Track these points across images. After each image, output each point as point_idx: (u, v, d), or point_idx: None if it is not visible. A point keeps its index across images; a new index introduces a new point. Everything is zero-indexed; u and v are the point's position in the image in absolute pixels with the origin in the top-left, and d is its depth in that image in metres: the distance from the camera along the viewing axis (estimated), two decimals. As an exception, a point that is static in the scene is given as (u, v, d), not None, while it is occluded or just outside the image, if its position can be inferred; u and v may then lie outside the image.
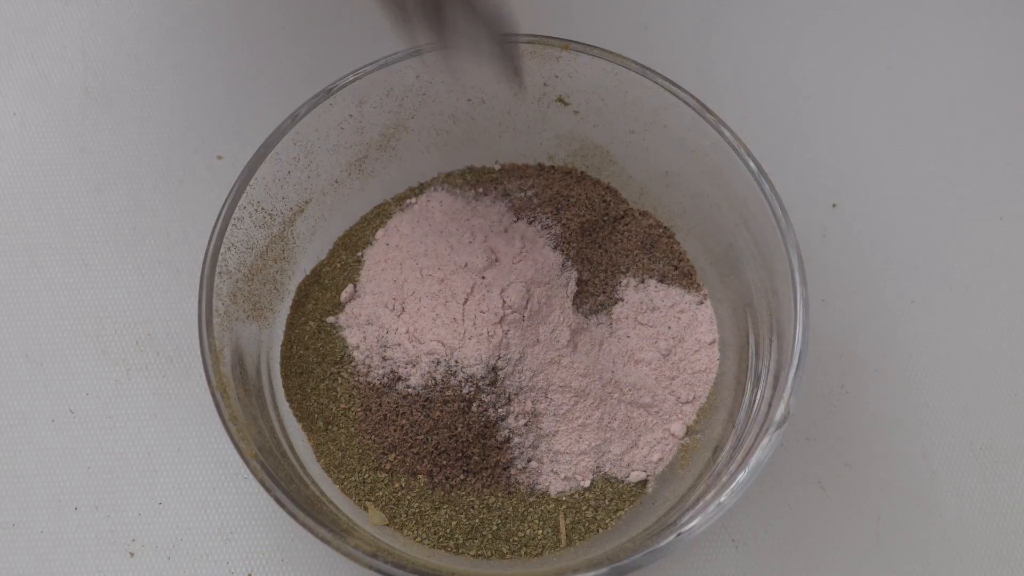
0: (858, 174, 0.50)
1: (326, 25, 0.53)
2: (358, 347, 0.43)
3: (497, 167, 0.47)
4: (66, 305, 0.47)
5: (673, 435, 0.42)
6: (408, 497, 0.41)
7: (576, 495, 0.42)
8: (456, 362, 0.40)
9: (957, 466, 0.45)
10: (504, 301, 0.40)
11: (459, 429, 0.40)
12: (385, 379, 0.42)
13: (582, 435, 0.42)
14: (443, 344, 0.40)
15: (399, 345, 0.42)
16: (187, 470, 0.44)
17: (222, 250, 0.40)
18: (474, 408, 0.40)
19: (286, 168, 0.42)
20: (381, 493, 0.41)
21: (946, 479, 0.44)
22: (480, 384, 0.40)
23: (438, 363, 0.41)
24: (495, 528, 0.40)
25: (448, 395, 0.40)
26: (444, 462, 0.41)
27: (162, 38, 0.53)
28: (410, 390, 0.41)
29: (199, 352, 0.38)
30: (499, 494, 0.41)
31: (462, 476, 0.41)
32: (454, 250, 0.43)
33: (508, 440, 0.41)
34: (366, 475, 0.41)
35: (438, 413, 0.40)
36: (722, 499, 0.35)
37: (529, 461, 0.42)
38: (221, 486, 0.44)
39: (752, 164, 0.40)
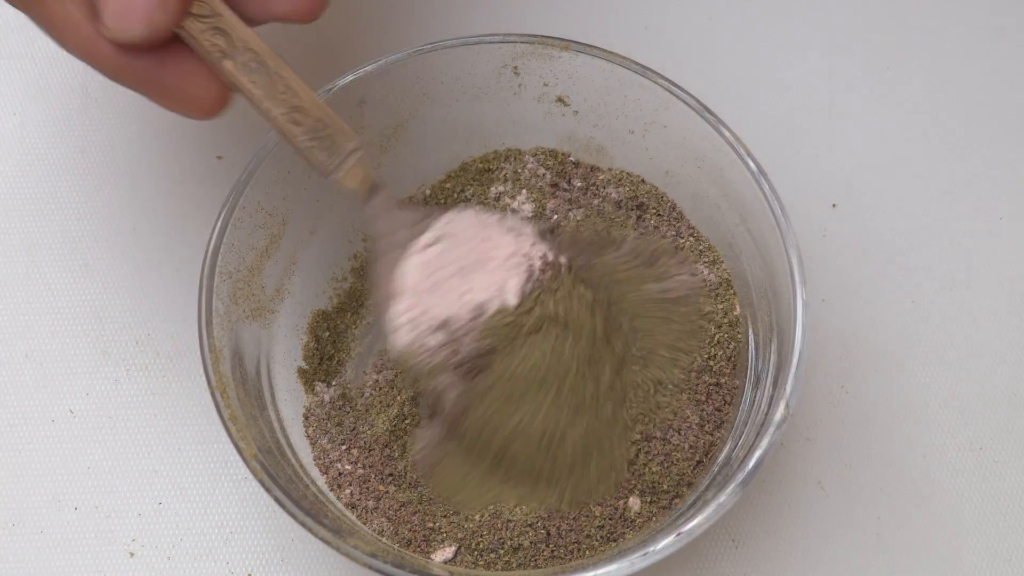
0: (858, 174, 0.50)
1: (326, 25, 0.53)
2: None
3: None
4: (66, 305, 0.47)
5: None
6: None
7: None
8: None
9: (957, 466, 0.45)
10: None
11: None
12: None
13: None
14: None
15: None
16: (187, 470, 0.44)
17: (222, 250, 0.40)
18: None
19: (286, 168, 0.42)
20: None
21: (946, 479, 0.44)
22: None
23: None
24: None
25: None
26: None
27: (162, 38, 0.52)
28: None
29: (199, 352, 0.38)
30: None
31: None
32: None
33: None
34: None
35: None
36: (722, 499, 0.35)
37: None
38: (221, 486, 0.44)
39: (752, 164, 0.40)
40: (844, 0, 0.54)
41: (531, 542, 0.39)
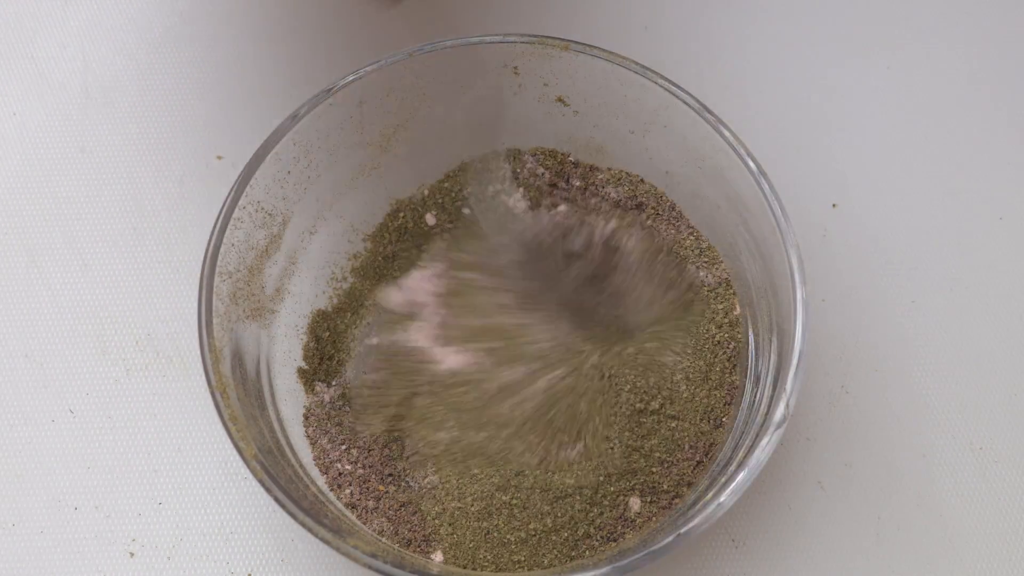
0: (858, 174, 0.50)
1: (326, 25, 0.53)
2: None
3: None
4: (66, 305, 0.47)
5: None
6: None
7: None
8: None
9: (957, 466, 0.45)
10: None
11: None
12: None
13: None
14: None
15: None
16: (187, 470, 0.44)
17: (222, 250, 0.40)
18: None
19: (286, 168, 0.42)
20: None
21: (946, 479, 0.44)
22: None
23: None
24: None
25: None
26: None
27: (162, 38, 0.53)
28: None
29: (199, 352, 0.38)
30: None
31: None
32: None
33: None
34: None
35: None
36: (722, 499, 0.35)
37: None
38: (221, 486, 0.44)
39: (752, 164, 0.40)
40: (844, 0, 0.54)
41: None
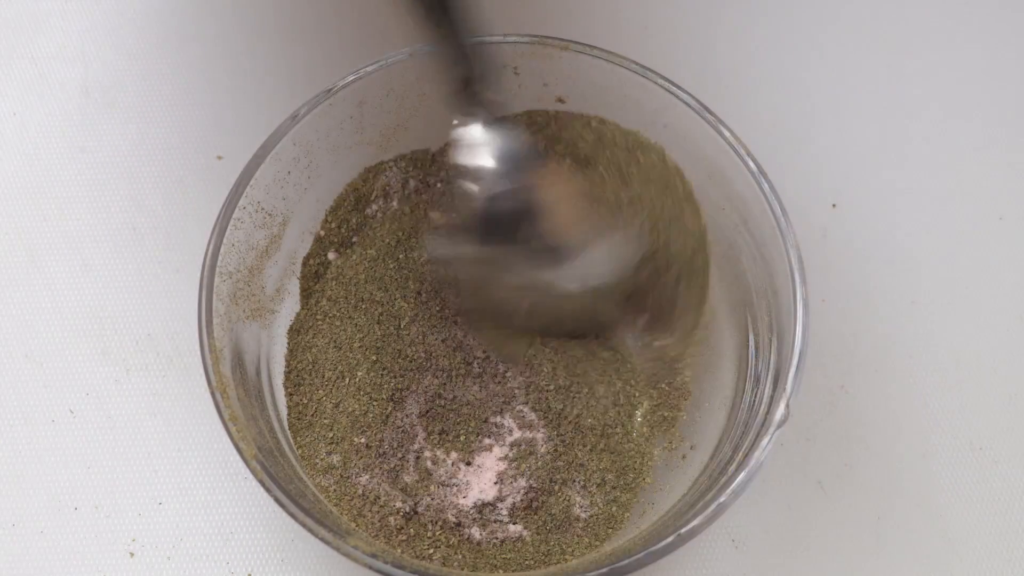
0: (858, 174, 0.50)
1: (326, 25, 0.53)
2: None
3: None
4: (66, 305, 0.47)
5: None
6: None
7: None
8: None
9: (957, 466, 0.45)
10: None
11: None
12: None
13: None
14: None
15: None
16: (187, 470, 0.44)
17: (222, 250, 0.40)
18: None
19: (286, 168, 0.42)
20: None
21: (946, 479, 0.44)
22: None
23: None
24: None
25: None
26: None
27: (162, 38, 0.53)
28: None
29: (199, 352, 0.38)
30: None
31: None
32: None
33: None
34: None
35: None
36: (722, 499, 0.35)
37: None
38: (221, 486, 0.44)
39: (752, 164, 0.40)
40: (844, 0, 0.54)
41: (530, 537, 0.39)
